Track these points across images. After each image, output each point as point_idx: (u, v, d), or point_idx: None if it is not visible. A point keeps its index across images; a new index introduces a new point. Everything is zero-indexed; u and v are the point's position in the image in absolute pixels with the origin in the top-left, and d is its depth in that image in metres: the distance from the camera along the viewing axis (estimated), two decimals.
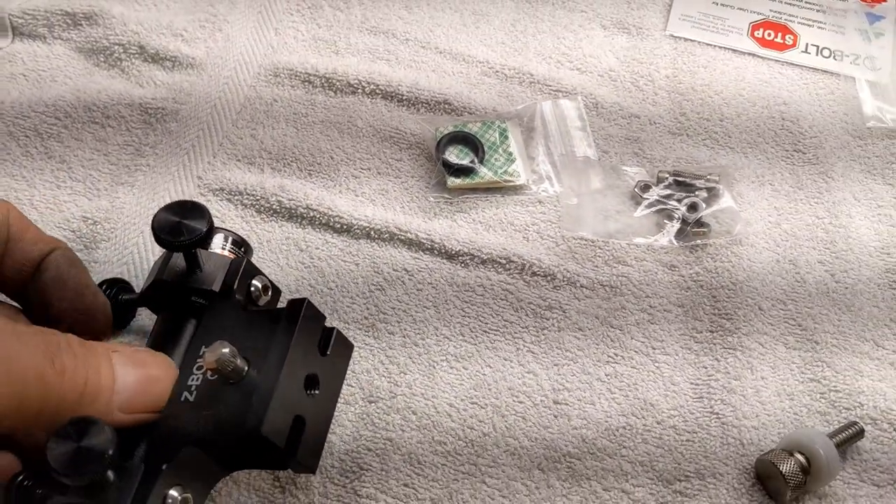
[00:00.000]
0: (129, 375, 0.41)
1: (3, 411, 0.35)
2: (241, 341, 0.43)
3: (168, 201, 0.59)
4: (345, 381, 0.51)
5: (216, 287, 0.46)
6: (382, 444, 0.51)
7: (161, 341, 0.46)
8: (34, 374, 0.36)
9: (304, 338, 0.43)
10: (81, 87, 0.66)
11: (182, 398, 0.42)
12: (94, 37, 0.69)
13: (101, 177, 0.61)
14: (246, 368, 0.42)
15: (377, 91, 0.67)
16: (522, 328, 0.56)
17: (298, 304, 0.44)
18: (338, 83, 0.67)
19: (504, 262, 0.58)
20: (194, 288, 0.46)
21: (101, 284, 0.50)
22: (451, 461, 0.50)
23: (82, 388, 0.38)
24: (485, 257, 0.58)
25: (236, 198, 0.60)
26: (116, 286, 0.51)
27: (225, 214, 0.60)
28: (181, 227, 0.45)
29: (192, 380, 0.43)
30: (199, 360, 0.43)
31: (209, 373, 0.42)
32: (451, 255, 0.58)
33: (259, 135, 0.64)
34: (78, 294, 0.46)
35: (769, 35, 0.73)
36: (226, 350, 0.41)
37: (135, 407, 0.41)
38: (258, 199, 0.60)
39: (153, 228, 0.45)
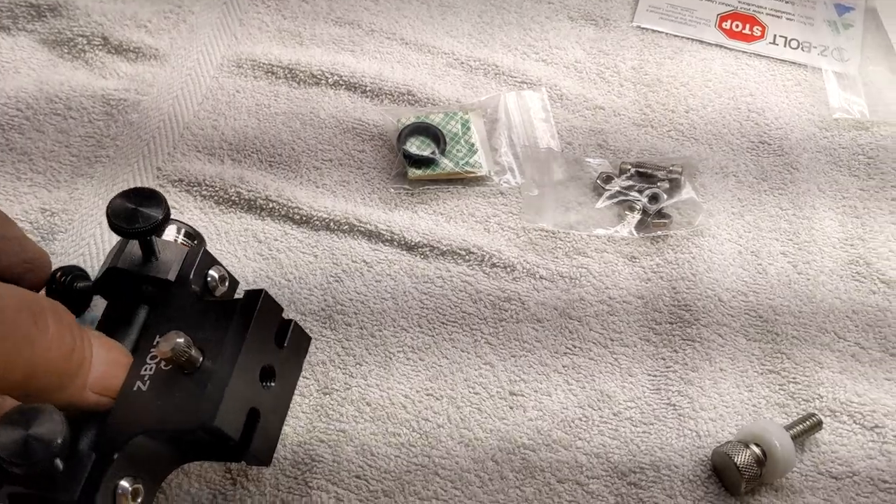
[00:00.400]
0: (101, 355, 0.40)
1: None
2: (196, 331, 0.42)
3: None
4: (302, 374, 0.51)
5: (171, 276, 0.45)
6: (335, 435, 0.50)
7: (112, 328, 0.45)
8: (20, 335, 0.35)
9: (260, 329, 0.43)
10: (44, 79, 0.65)
11: (135, 388, 0.41)
12: (58, 28, 0.68)
13: (61, 168, 0.61)
14: (201, 359, 0.41)
15: (341, 82, 0.66)
16: (480, 319, 0.55)
17: (255, 295, 0.44)
18: (301, 74, 0.67)
19: (464, 253, 0.58)
20: (150, 276, 0.46)
21: (55, 272, 0.49)
22: (405, 452, 0.50)
23: (69, 353, 0.37)
24: (444, 249, 0.58)
25: (195, 189, 0.60)
26: (71, 273, 0.50)
27: (184, 206, 0.59)
28: (137, 213, 0.44)
29: (146, 369, 0.42)
30: (152, 350, 0.43)
31: (163, 363, 0.42)
32: (410, 247, 0.58)
33: (220, 126, 0.64)
34: (21, 245, 0.45)
35: (737, 26, 0.72)
36: (180, 340, 0.40)
37: (103, 388, 0.40)
38: (217, 190, 0.60)
39: (108, 214, 0.44)
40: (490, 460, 0.50)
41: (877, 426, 0.52)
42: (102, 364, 0.40)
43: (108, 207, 0.44)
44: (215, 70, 0.67)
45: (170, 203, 0.59)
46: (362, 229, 0.58)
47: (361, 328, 0.55)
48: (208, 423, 0.39)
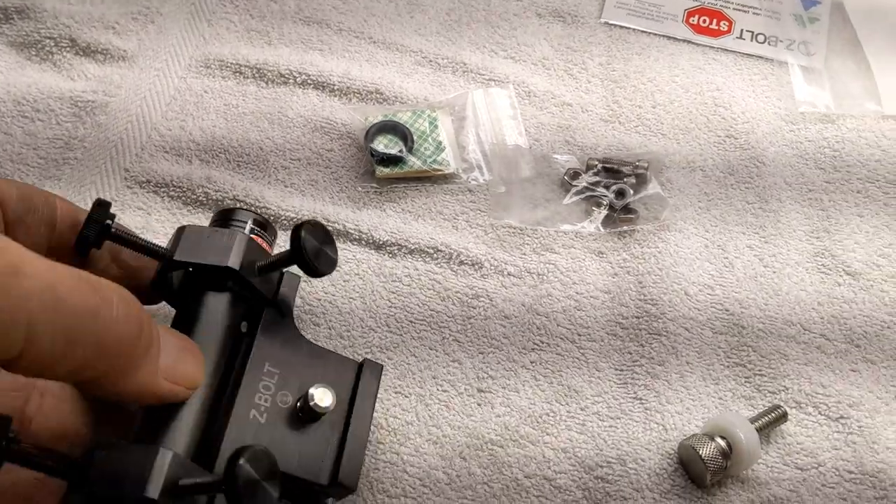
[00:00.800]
0: (170, 341, 0.37)
1: (51, 350, 0.31)
2: (317, 379, 0.44)
3: (94, 195, 0.59)
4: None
5: (270, 295, 0.46)
6: None
7: (190, 325, 0.43)
8: (85, 309, 0.32)
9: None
10: (12, 82, 0.65)
11: (251, 416, 0.41)
12: (26, 31, 0.68)
13: (29, 171, 0.61)
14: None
15: (309, 81, 0.66)
16: (448, 317, 0.56)
17: (378, 368, 0.48)
18: (269, 73, 0.67)
19: (431, 251, 0.58)
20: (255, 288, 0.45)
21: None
22: (372, 451, 0.50)
23: (138, 331, 0.34)
24: (412, 247, 0.58)
25: (163, 190, 0.60)
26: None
27: (151, 207, 0.59)
28: (321, 253, 0.44)
29: (260, 398, 0.42)
30: (264, 378, 0.43)
31: (285, 401, 0.43)
32: (378, 245, 0.58)
33: (188, 126, 0.64)
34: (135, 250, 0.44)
35: (704, 21, 0.73)
36: (333, 399, 0.43)
37: (176, 376, 0.38)
38: (185, 191, 0.60)
39: (307, 253, 0.43)
40: (458, 457, 0.50)
41: (842, 417, 0.53)
42: (174, 349, 0.38)
43: (304, 245, 0.43)
44: (183, 71, 0.67)
45: (137, 205, 0.59)
46: (330, 228, 0.58)
47: (330, 328, 0.55)
48: (350, 485, 0.43)
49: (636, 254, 0.59)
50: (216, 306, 0.44)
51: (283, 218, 0.59)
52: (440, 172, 0.61)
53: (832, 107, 0.67)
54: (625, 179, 0.61)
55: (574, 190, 0.61)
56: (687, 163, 0.64)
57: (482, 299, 0.56)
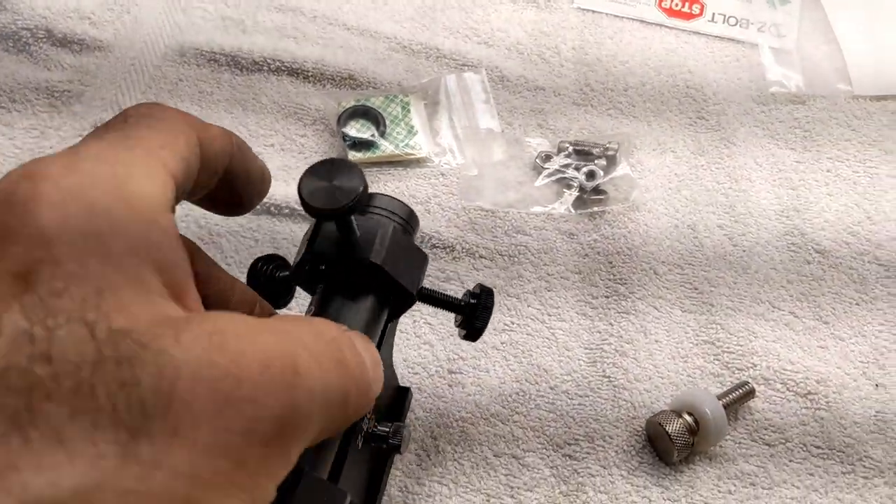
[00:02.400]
0: (367, 352, 0.32)
1: (316, 407, 0.26)
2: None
3: None
4: None
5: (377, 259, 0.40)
6: None
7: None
8: (331, 359, 0.28)
9: None
10: None
11: (351, 444, 0.37)
12: (2, 22, 0.68)
13: (5, 161, 0.61)
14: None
15: (283, 68, 0.67)
16: None
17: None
18: (243, 61, 0.67)
19: None
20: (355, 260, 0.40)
21: (256, 262, 0.43)
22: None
23: (366, 372, 0.30)
24: None
25: None
26: (273, 263, 0.43)
27: None
28: (334, 190, 0.37)
29: (364, 422, 0.38)
30: None
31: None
32: None
33: None
34: (253, 159, 0.37)
35: (676, 5, 0.73)
36: None
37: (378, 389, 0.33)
38: None
39: (302, 196, 0.36)
40: (429, 437, 0.51)
41: (809, 393, 0.53)
42: (371, 363, 0.32)
43: (300, 188, 0.37)
44: (159, 60, 0.67)
45: None
46: (301, 214, 0.59)
47: (301, 312, 0.55)
48: None
49: (606, 234, 0.59)
50: (366, 304, 0.40)
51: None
52: (412, 156, 0.62)
53: (803, 87, 0.68)
54: (595, 161, 0.61)
55: (545, 172, 0.61)
56: (658, 144, 0.65)
57: (453, 282, 0.57)
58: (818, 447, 0.52)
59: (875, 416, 0.53)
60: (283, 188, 0.60)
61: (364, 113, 0.63)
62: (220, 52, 0.68)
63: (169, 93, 0.65)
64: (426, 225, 0.59)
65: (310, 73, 0.67)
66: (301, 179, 0.36)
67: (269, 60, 0.67)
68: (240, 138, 0.36)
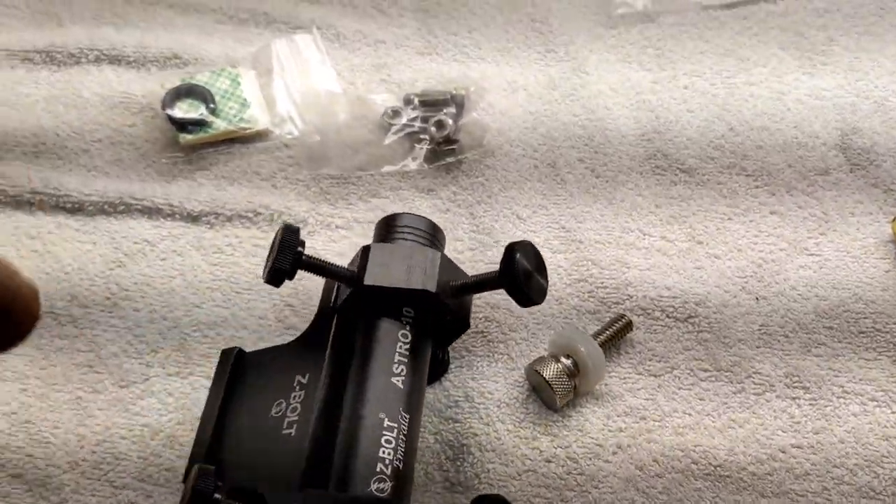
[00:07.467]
0: None
1: None
2: None
3: None
4: (92, 369, 0.49)
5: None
6: (139, 430, 0.47)
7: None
8: None
9: None
10: None
11: None
12: None
13: None
14: None
15: (102, 57, 0.62)
16: None
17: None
18: (59, 56, 0.62)
19: (251, 215, 0.55)
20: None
21: None
22: None
23: None
24: (230, 214, 0.55)
25: None
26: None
27: None
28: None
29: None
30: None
31: None
32: (194, 217, 0.55)
33: None
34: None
35: None
36: None
37: None
38: None
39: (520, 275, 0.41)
40: None
41: (690, 316, 0.52)
42: None
43: (518, 267, 0.41)
44: None
45: None
46: (139, 207, 0.55)
47: (151, 311, 0.51)
48: None
49: (465, 185, 0.57)
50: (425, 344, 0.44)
51: (87, 204, 0.55)
52: (249, 130, 0.58)
53: (650, 5, 0.66)
54: (444, 111, 0.58)
55: (393, 129, 0.58)
56: (508, 84, 0.62)
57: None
58: (705, 370, 0.50)
59: (759, 329, 0.51)
60: (116, 184, 0.56)
61: (189, 92, 0.58)
62: (32, 50, 0.63)
63: None
64: (273, 201, 0.55)
65: (131, 59, 0.62)
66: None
67: (86, 51, 0.62)
68: None
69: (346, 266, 0.44)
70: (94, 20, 0.65)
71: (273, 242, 0.42)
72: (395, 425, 0.39)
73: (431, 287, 0.42)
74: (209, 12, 0.66)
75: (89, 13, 0.66)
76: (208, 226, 0.55)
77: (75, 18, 0.65)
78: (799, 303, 0.53)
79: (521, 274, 0.40)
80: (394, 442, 0.39)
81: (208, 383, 0.48)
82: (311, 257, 0.42)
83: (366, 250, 0.43)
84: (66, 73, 0.62)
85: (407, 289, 0.42)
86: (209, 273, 0.53)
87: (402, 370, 0.41)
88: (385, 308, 0.42)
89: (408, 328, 0.42)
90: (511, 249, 0.41)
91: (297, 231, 0.42)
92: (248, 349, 0.50)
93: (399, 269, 0.42)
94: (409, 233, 0.45)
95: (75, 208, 0.55)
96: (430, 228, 0.46)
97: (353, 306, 0.43)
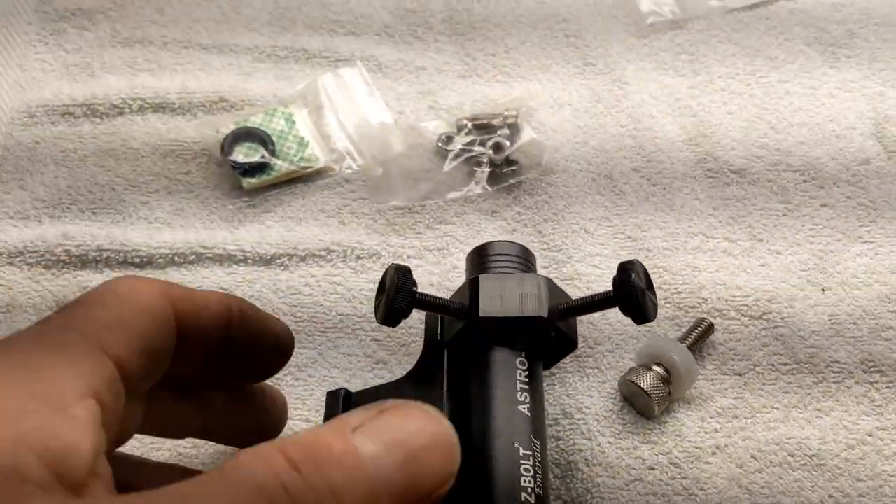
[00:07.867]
0: (388, 463, 0.28)
1: None
2: None
3: None
4: None
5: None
6: None
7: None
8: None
9: None
10: None
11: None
12: None
13: None
14: None
15: (146, 105, 0.62)
16: (360, 317, 0.53)
17: None
18: (100, 107, 0.62)
19: (324, 253, 0.55)
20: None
21: None
22: None
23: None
24: (303, 254, 0.55)
25: (18, 259, 0.55)
26: None
27: (11, 280, 0.54)
28: None
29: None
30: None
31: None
32: (267, 261, 0.55)
33: (28, 184, 0.58)
34: (262, 323, 0.39)
35: None
36: None
37: None
38: (42, 255, 0.54)
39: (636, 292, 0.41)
40: None
41: (764, 313, 0.53)
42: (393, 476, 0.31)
43: (635, 285, 0.41)
44: (6, 126, 0.61)
45: None
46: (210, 255, 0.55)
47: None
48: None
49: (528, 204, 0.58)
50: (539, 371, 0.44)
51: (157, 257, 0.55)
52: (310, 169, 0.58)
53: (678, 11, 0.67)
54: (498, 132, 0.59)
55: (451, 155, 0.59)
56: (553, 101, 0.63)
57: None
58: (786, 364, 0.51)
59: (829, 319, 0.53)
60: (183, 234, 0.56)
61: (248, 135, 0.58)
62: (72, 104, 0.62)
63: (28, 160, 0.59)
64: (344, 237, 0.56)
65: (176, 105, 0.62)
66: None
67: (128, 101, 0.62)
68: (245, 302, 0.37)
69: (449, 298, 0.45)
70: (129, 68, 0.65)
71: (383, 282, 0.42)
72: (530, 453, 0.40)
73: (544, 313, 0.43)
74: (245, 52, 0.66)
75: (121, 61, 0.65)
76: (283, 268, 0.55)
77: (108, 68, 0.65)
78: (862, 290, 0.54)
79: (638, 292, 0.41)
80: (531, 470, 0.39)
81: (306, 424, 0.48)
82: (424, 294, 0.42)
83: (474, 282, 0.44)
84: (111, 124, 0.61)
85: (522, 317, 0.42)
86: (290, 315, 0.53)
87: (526, 397, 0.42)
88: (500, 337, 0.43)
89: (523, 355, 0.43)
90: (625, 269, 0.42)
91: (408, 271, 0.42)
92: (341, 387, 0.50)
93: (512, 298, 0.43)
94: (505, 260, 0.46)
95: (144, 262, 0.55)
96: (523, 253, 0.47)
97: (467, 339, 0.43)
